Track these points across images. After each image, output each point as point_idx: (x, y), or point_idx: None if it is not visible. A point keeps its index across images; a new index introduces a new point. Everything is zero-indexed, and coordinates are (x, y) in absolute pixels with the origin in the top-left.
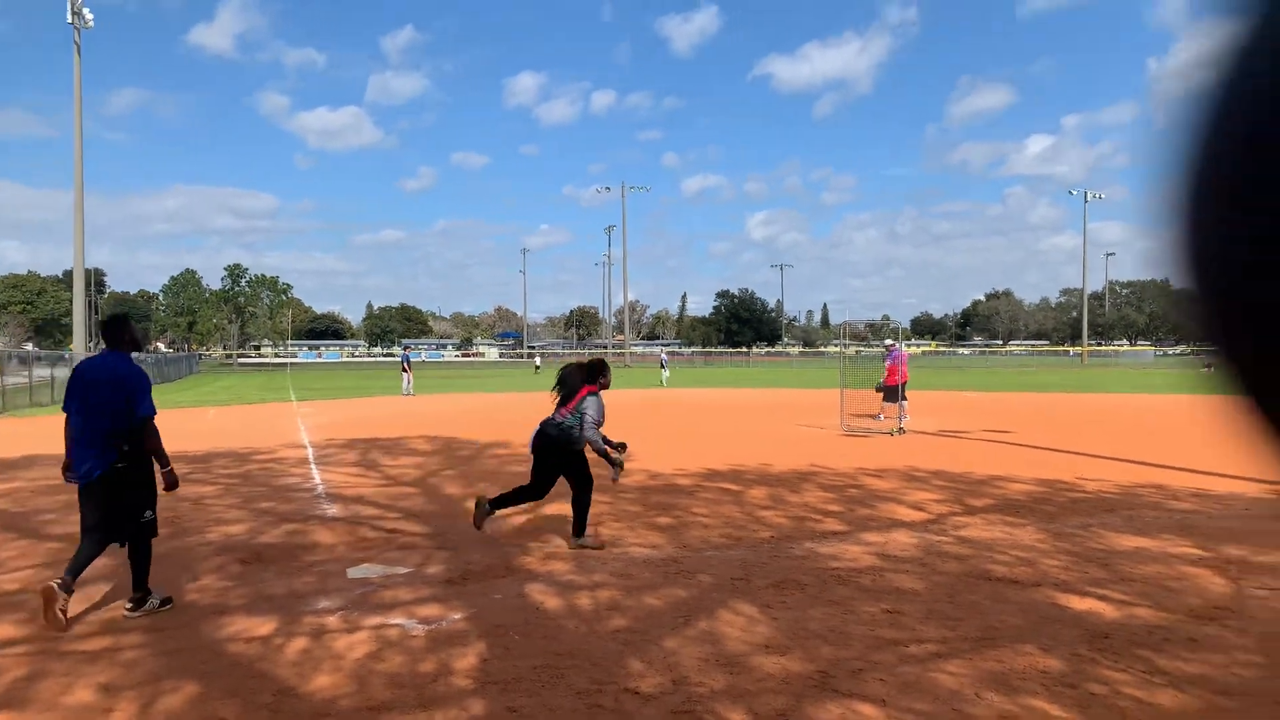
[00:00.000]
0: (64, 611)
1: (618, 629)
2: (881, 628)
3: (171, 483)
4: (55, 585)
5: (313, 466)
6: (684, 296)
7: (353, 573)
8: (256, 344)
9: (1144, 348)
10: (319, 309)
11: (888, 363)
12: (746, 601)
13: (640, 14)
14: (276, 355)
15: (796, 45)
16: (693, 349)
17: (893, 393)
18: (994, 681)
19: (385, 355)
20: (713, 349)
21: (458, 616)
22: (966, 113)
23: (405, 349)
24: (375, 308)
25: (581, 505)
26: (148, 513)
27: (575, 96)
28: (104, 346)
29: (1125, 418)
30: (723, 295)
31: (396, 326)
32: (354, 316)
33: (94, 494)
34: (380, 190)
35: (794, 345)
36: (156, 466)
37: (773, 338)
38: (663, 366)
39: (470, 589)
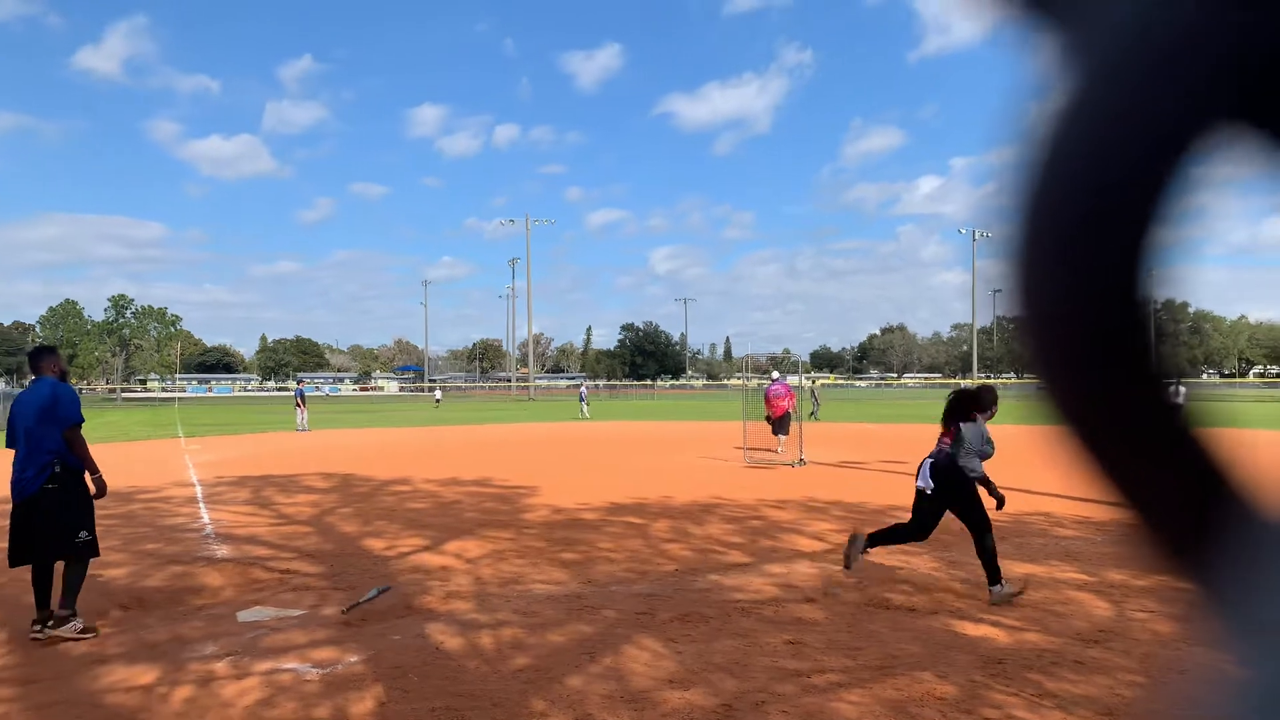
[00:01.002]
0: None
1: (520, 668)
2: (784, 659)
3: (101, 489)
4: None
5: (201, 505)
6: (589, 329)
7: (243, 616)
8: (142, 378)
9: (1031, 380)
10: (210, 341)
11: (772, 394)
12: (651, 636)
13: (543, 50)
14: (164, 389)
15: (697, 85)
16: (597, 382)
17: (780, 424)
18: (893, 709)
19: (279, 389)
20: (618, 381)
21: (354, 659)
22: (860, 153)
23: (300, 383)
24: (269, 340)
25: (987, 550)
26: (83, 533)
27: (478, 130)
28: (32, 377)
29: (1012, 447)
30: (627, 328)
31: (292, 360)
32: (247, 349)
33: (27, 511)
34: (276, 220)
35: (698, 378)
36: (87, 476)
37: (677, 370)
38: (582, 400)
39: (368, 630)
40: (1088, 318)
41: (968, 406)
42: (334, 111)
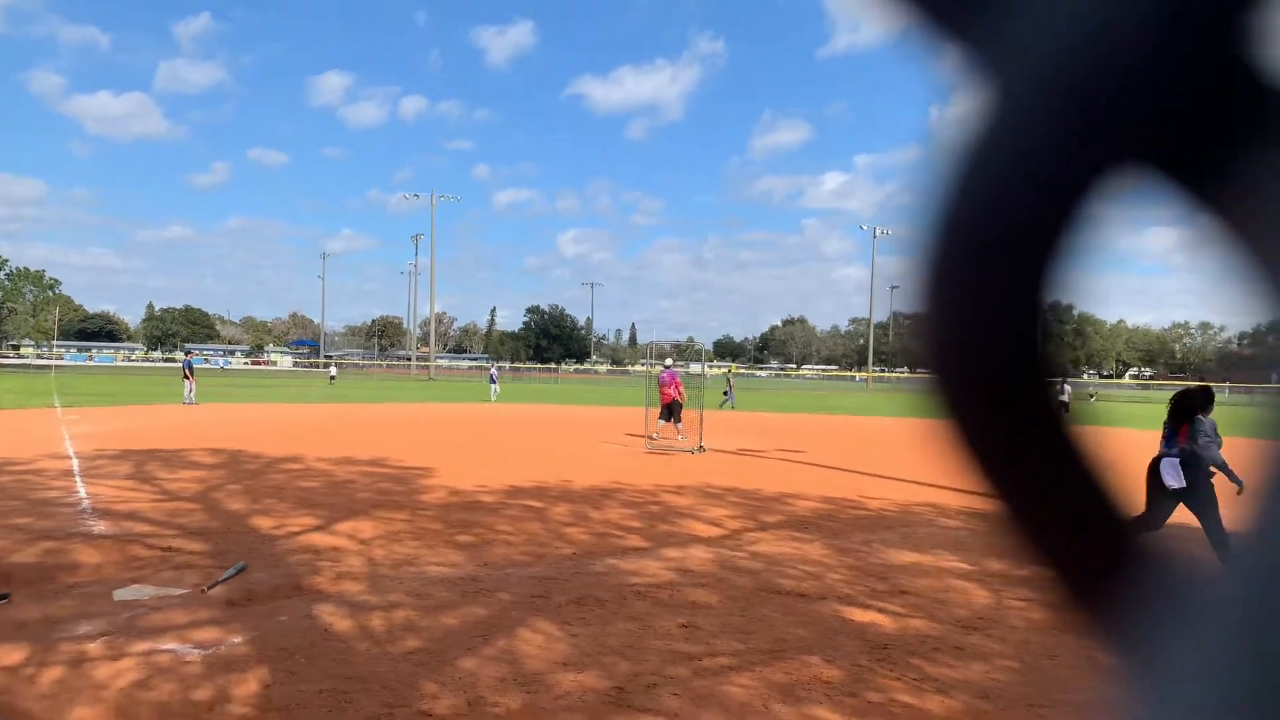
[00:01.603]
0: None
1: (412, 650)
2: (677, 642)
3: None
4: None
5: (78, 479)
6: (493, 310)
7: (120, 594)
8: (15, 343)
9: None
10: (91, 308)
11: (661, 382)
12: (546, 619)
13: (455, 23)
14: (39, 356)
15: (610, 68)
16: (500, 364)
17: (668, 410)
18: (781, 692)
19: (166, 360)
20: (522, 364)
21: (238, 640)
22: (768, 146)
23: (189, 354)
24: (157, 309)
25: (1221, 534)
26: None
27: (384, 100)
28: None
29: (904, 440)
30: (533, 311)
31: (180, 330)
32: (132, 318)
33: None
34: (168, 184)
35: (602, 363)
36: None
37: (582, 355)
38: (493, 382)
39: (254, 611)
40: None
41: (1196, 405)
42: (232, 74)
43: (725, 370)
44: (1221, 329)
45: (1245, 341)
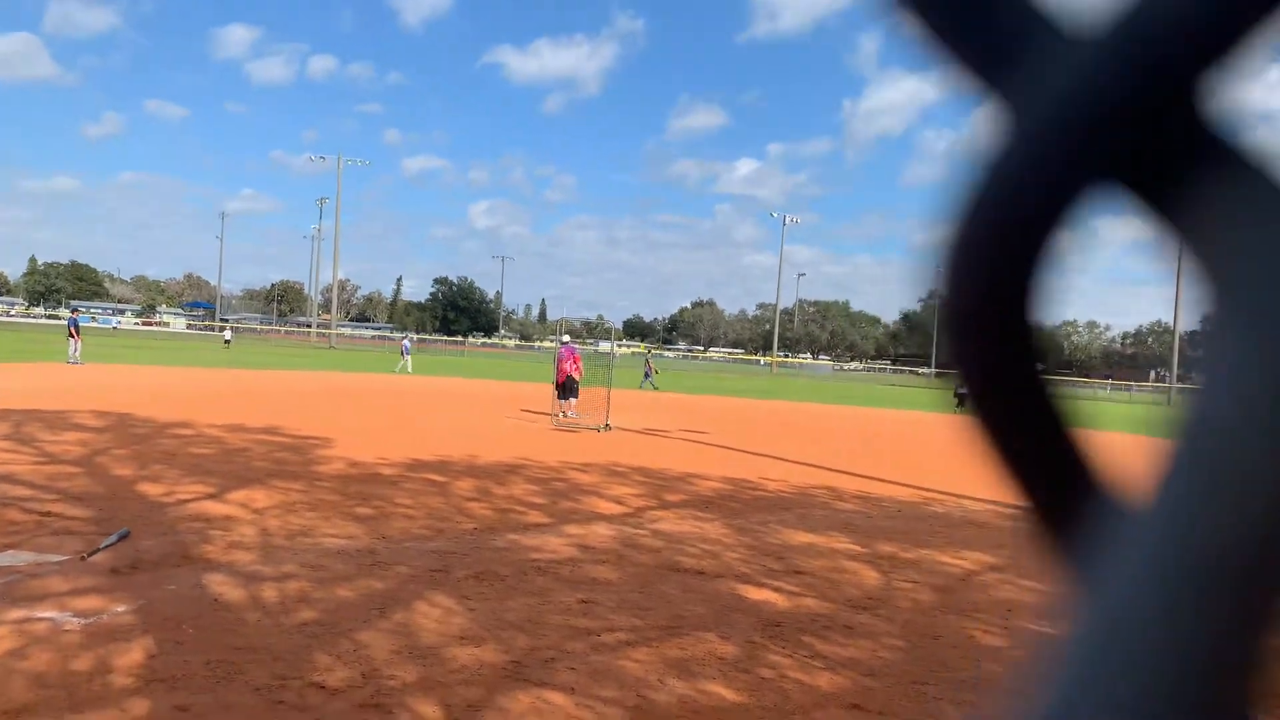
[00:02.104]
0: None
1: (305, 622)
2: (576, 617)
3: None
4: None
5: None
6: (399, 280)
7: None
8: None
9: (824, 362)
10: None
11: (559, 358)
12: (444, 593)
13: None
14: None
15: (528, 39)
16: (409, 336)
17: (564, 388)
18: (676, 668)
19: (49, 317)
20: (428, 336)
21: (122, 609)
22: (685, 129)
23: (74, 311)
24: (40, 263)
25: None
26: None
27: (291, 57)
28: None
29: (803, 423)
30: (441, 282)
31: (65, 286)
32: (12, 270)
33: None
34: (55, 132)
35: (511, 338)
36: None
37: (490, 329)
38: (405, 354)
39: (139, 579)
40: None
41: None
42: (128, 20)
43: (646, 349)
44: (1106, 328)
45: (1128, 341)
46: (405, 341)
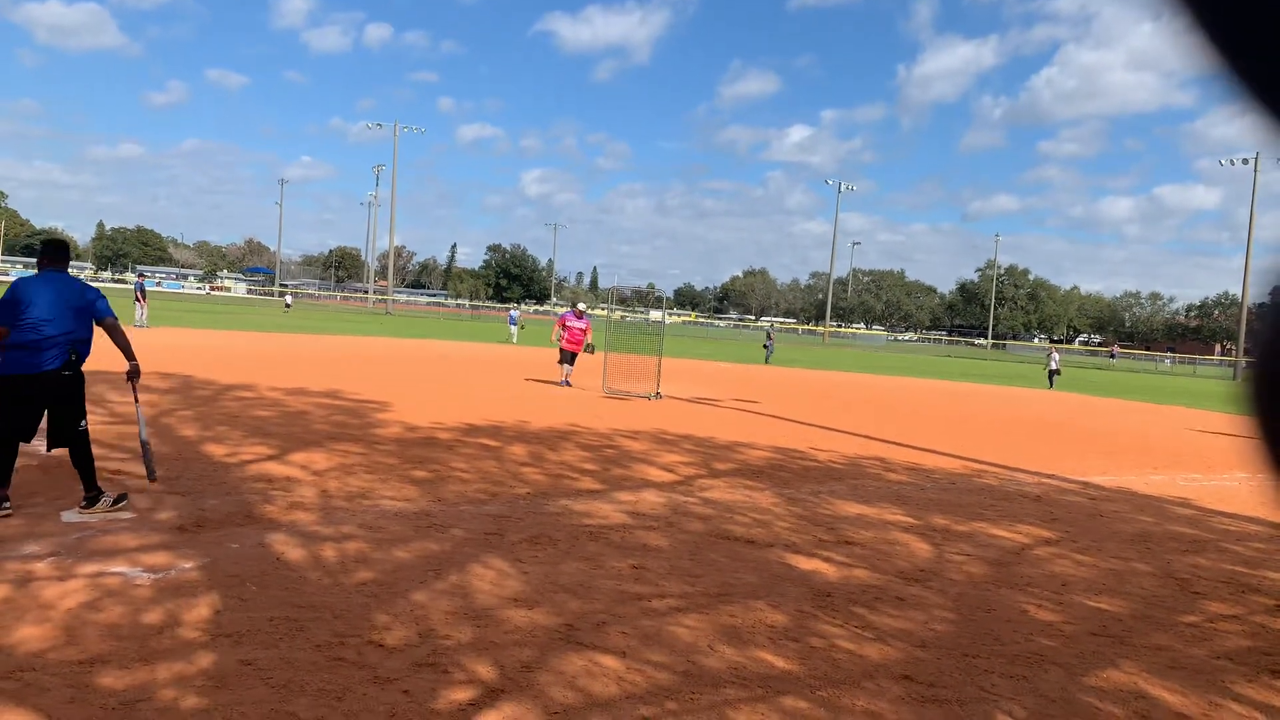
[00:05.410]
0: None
1: (363, 581)
2: (627, 583)
3: (135, 371)
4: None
5: None
6: (454, 247)
7: (67, 516)
8: None
9: (878, 332)
10: (39, 224)
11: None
12: (499, 556)
13: None
14: None
15: (580, 6)
16: (459, 301)
17: (566, 355)
18: (726, 635)
19: (116, 281)
20: (481, 303)
21: (189, 565)
22: (736, 95)
23: (141, 276)
24: (108, 229)
25: None
26: (82, 423)
27: (348, 26)
28: (49, 265)
29: (856, 394)
30: (494, 249)
31: (132, 251)
32: (82, 236)
33: (35, 390)
34: (122, 100)
35: (563, 305)
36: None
37: (542, 296)
38: (513, 323)
39: (205, 537)
40: None
41: None
42: None
43: (769, 324)
44: (1170, 300)
45: (1192, 314)
46: (513, 312)
